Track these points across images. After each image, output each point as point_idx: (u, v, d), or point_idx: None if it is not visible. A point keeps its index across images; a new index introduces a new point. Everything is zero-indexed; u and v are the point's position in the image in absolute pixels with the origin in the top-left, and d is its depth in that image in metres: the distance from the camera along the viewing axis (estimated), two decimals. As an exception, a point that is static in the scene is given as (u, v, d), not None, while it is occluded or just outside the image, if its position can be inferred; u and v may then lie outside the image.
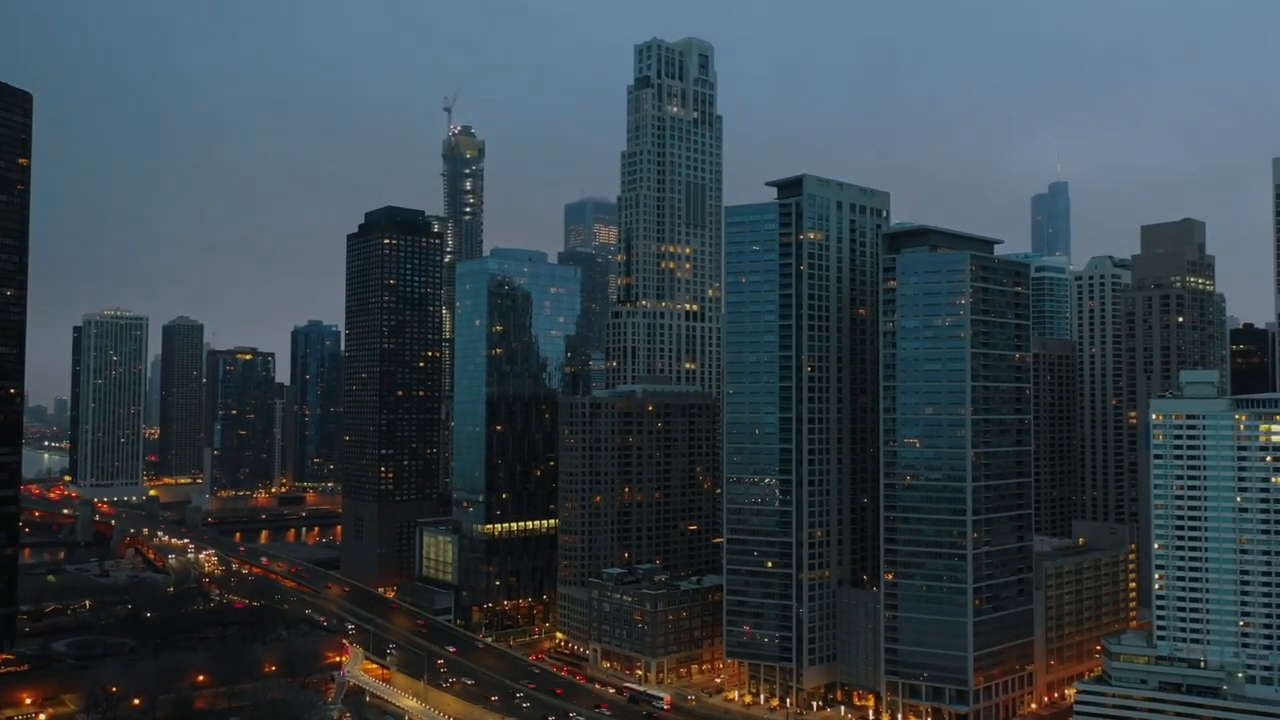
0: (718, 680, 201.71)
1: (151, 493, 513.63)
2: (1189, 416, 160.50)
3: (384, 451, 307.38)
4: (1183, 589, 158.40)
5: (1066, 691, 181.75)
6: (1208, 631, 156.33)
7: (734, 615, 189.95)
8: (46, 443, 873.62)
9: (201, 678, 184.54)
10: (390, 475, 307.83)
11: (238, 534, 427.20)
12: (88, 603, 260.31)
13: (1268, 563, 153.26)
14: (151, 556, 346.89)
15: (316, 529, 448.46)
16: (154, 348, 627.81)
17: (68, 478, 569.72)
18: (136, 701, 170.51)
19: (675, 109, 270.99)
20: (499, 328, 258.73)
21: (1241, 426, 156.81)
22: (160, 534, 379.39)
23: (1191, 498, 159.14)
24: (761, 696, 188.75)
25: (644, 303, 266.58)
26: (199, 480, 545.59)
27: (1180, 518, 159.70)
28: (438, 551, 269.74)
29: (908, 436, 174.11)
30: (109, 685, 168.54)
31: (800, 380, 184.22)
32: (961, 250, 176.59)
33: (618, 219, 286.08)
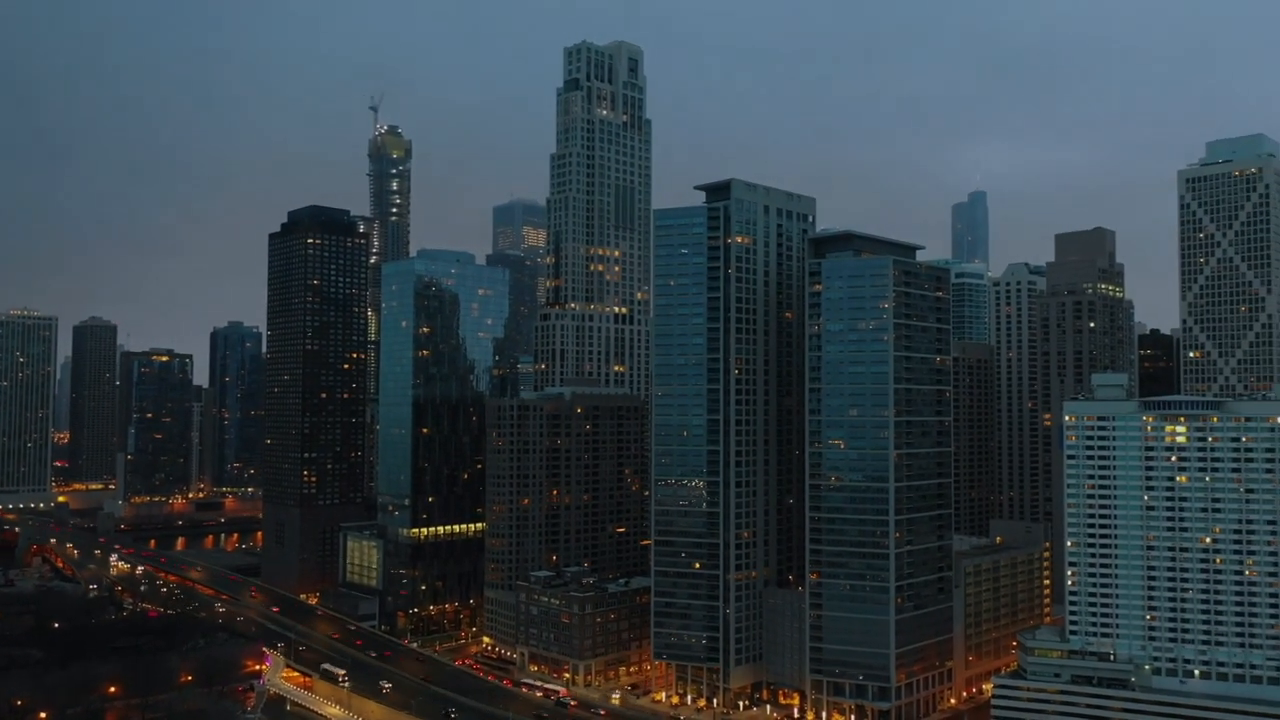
0: (643, 683, 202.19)
1: (60, 499, 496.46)
2: (1100, 418, 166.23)
3: (307, 455, 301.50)
4: (1094, 585, 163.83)
5: (984, 686, 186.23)
6: (1117, 626, 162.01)
7: (662, 617, 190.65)
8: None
9: (113, 689, 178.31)
10: (313, 479, 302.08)
11: (153, 541, 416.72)
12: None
13: (1172, 559, 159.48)
14: (60, 565, 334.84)
15: (236, 535, 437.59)
16: (64, 349, 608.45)
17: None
18: (43, 715, 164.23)
19: (605, 112, 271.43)
20: (426, 329, 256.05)
21: (1148, 428, 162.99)
22: (69, 542, 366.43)
23: (1102, 497, 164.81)
24: (689, 697, 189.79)
25: (573, 305, 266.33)
26: (112, 486, 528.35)
27: (1092, 516, 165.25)
28: (362, 556, 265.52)
29: (832, 438, 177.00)
30: (13, 698, 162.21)
31: (728, 382, 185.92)
32: (885, 255, 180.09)
33: (547, 221, 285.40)
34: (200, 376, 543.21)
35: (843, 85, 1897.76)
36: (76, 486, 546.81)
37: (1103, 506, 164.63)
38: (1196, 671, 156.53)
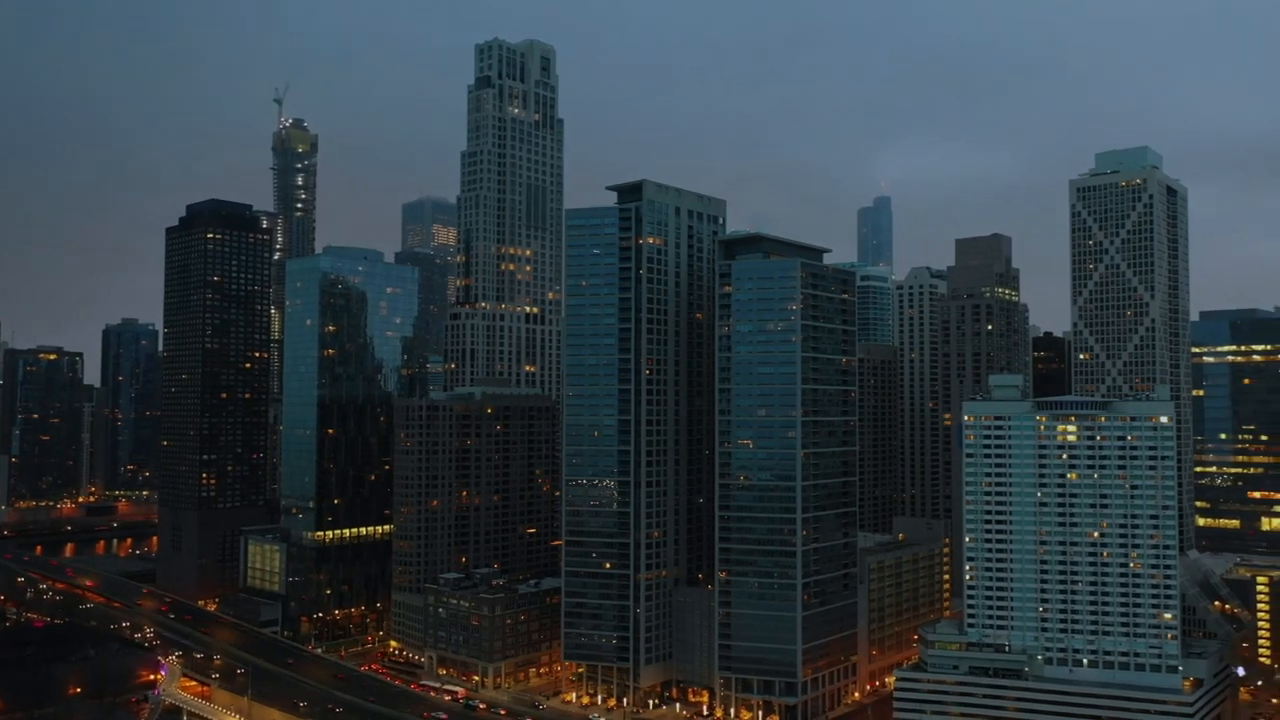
0: (554, 684, 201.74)
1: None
2: (997, 418, 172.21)
3: (206, 457, 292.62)
4: (990, 579, 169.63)
5: (887, 680, 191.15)
6: (1012, 618, 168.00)
7: (572, 617, 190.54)
8: None
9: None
10: (212, 482, 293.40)
11: (39, 547, 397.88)
12: None
13: (1063, 553, 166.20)
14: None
15: (129, 540, 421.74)
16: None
17: None
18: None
19: (516, 110, 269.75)
20: (332, 328, 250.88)
21: (1042, 427, 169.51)
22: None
23: (998, 494, 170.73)
24: (599, 697, 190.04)
25: (483, 304, 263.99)
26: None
27: (989, 512, 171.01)
28: (264, 560, 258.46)
29: (741, 438, 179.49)
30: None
31: (639, 383, 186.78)
32: (793, 258, 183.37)
33: (457, 220, 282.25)
34: (92, 376, 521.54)
35: (759, 89, 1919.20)
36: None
37: (999, 503, 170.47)
38: (1085, 660, 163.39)
